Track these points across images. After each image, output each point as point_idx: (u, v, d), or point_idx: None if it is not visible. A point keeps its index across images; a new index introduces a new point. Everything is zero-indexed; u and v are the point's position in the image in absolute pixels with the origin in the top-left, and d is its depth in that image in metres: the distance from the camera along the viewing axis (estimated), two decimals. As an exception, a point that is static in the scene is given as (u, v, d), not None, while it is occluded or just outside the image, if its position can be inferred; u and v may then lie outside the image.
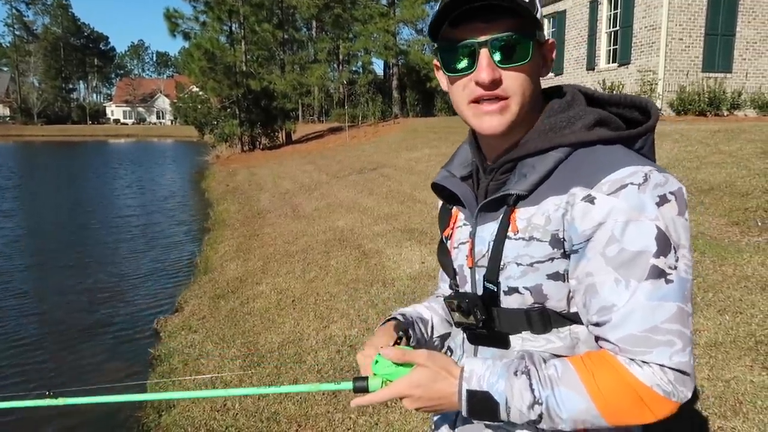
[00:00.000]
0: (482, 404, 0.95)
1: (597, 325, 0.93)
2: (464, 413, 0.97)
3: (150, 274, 7.93)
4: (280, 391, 1.16)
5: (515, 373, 0.94)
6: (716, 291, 4.23)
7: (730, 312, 3.92)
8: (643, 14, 15.60)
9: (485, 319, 1.05)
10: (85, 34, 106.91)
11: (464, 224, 1.13)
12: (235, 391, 1.29)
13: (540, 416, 0.92)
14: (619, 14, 16.71)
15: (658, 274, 0.88)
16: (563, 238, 0.95)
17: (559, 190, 0.95)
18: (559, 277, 0.97)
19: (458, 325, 1.13)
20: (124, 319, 6.17)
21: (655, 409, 0.89)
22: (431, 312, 1.33)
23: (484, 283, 1.05)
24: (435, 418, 1.24)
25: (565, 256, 0.96)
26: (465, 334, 1.13)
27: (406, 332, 1.19)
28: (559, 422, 0.92)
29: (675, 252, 0.89)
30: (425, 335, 1.30)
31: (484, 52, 0.95)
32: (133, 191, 17.65)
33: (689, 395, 0.90)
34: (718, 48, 15.22)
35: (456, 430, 1.15)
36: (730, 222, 5.55)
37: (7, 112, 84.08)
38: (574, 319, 0.99)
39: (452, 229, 1.16)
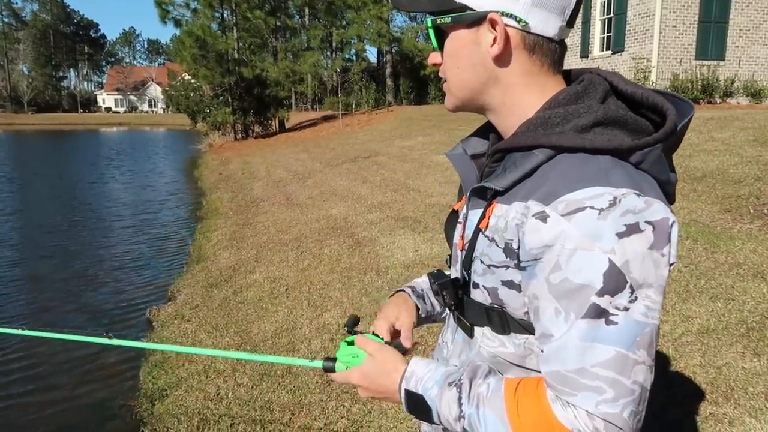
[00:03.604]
0: (417, 406, 0.97)
1: (541, 350, 0.87)
2: (404, 410, 1.00)
3: (142, 263, 7.90)
4: (260, 359, 1.20)
5: (449, 384, 0.93)
6: (708, 278, 4.25)
7: (722, 299, 3.94)
8: (637, 1, 15.57)
9: (456, 304, 1.04)
10: (75, 21, 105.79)
11: (466, 203, 1.07)
12: (229, 354, 1.31)
13: (464, 431, 0.91)
14: (612, 1, 16.67)
15: (598, 313, 0.78)
16: (517, 249, 0.87)
17: (526, 197, 0.86)
18: (513, 286, 0.90)
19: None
20: (116, 309, 6.14)
21: None
22: None
23: (461, 269, 1.02)
24: None
25: (519, 267, 0.88)
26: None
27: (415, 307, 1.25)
28: None
29: (632, 292, 0.78)
30: (436, 307, 1.31)
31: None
32: (125, 180, 17.56)
33: None
34: (712, 35, 15.23)
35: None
36: (723, 209, 5.57)
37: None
38: (531, 330, 0.92)
39: (462, 203, 1.11)
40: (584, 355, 0.79)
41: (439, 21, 0.94)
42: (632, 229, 0.78)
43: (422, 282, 1.35)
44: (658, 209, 0.80)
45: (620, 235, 0.77)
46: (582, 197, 0.79)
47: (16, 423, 4.04)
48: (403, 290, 1.31)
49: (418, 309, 1.27)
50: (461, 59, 0.95)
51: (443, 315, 1.33)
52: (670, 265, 0.83)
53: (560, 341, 0.81)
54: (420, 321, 1.28)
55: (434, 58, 1.00)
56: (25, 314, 6.08)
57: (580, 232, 0.78)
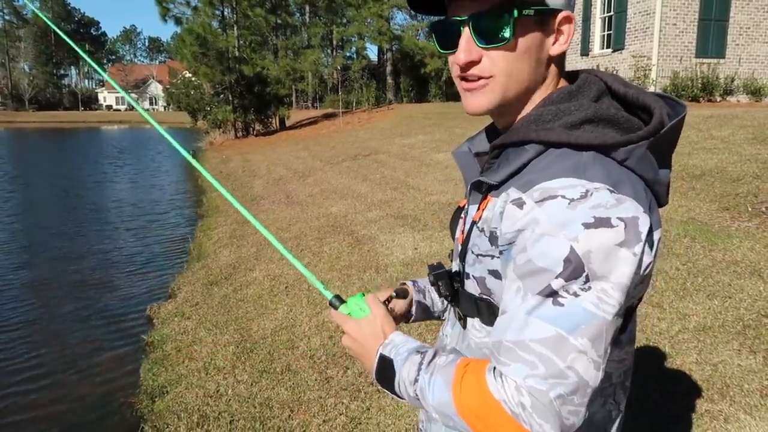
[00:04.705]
0: (385, 371, 1.00)
1: None
2: (374, 375, 1.03)
3: (142, 261, 7.92)
4: (297, 264, 1.23)
5: (417, 352, 0.98)
6: (706, 276, 4.27)
7: (719, 297, 3.96)
8: (638, -1, 15.56)
9: (451, 296, 1.08)
10: (76, 18, 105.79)
11: (468, 199, 1.11)
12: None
13: (417, 395, 0.94)
14: (613, -1, 16.67)
15: (549, 293, 0.80)
16: (498, 236, 0.90)
17: (509, 187, 0.90)
18: (497, 275, 0.93)
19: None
20: (116, 306, 6.17)
21: (501, 426, 0.82)
22: None
23: (458, 262, 1.06)
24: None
25: (500, 254, 0.91)
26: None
27: (405, 294, 1.31)
28: (429, 409, 0.92)
29: (586, 281, 0.79)
30: (438, 304, 1.35)
31: (465, 31, 0.92)
32: (125, 178, 17.57)
33: None
34: (712, 33, 15.22)
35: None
36: (721, 207, 5.59)
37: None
38: None
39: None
40: (525, 329, 0.81)
41: (525, 12, 0.90)
42: (602, 222, 0.79)
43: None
44: (628, 207, 0.81)
45: (587, 226, 0.79)
46: (556, 186, 0.83)
47: (18, 420, 4.06)
48: (405, 282, 1.36)
49: (413, 300, 1.33)
50: (528, 56, 0.92)
51: (444, 313, 1.37)
52: (647, 265, 0.84)
53: (509, 314, 0.84)
54: (414, 315, 1.33)
55: (471, 54, 0.93)
56: (29, 308, 6.11)
57: (548, 218, 0.81)
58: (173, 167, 20.63)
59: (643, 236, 0.82)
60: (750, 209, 5.39)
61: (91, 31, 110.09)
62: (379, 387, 1.05)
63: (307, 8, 40.99)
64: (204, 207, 11.30)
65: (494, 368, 0.85)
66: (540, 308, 0.81)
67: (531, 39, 0.92)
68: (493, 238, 0.92)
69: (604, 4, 17.22)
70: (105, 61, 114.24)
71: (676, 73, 14.77)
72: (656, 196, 0.91)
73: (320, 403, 3.48)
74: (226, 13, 26.29)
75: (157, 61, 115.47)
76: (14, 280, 7.19)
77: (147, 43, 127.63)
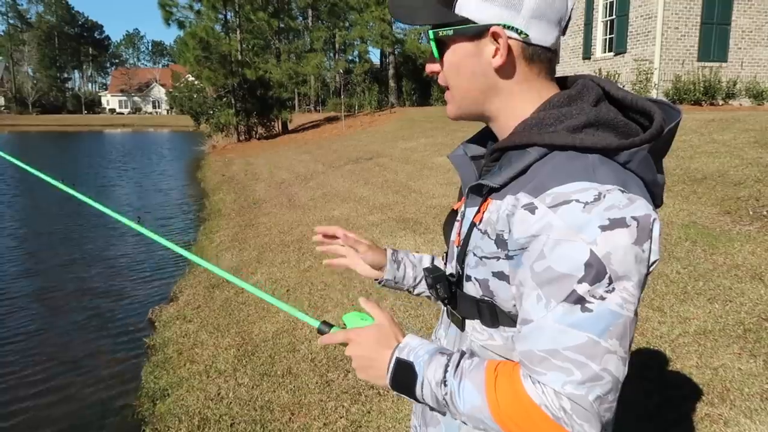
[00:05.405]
0: (404, 375, 0.98)
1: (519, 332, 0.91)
2: (387, 381, 1.00)
3: (144, 264, 7.94)
4: (272, 301, 1.29)
5: (440, 353, 0.97)
6: (707, 280, 4.27)
7: (719, 300, 3.96)
8: (640, 3, 15.56)
9: (449, 298, 1.08)
10: (80, 22, 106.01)
11: (465, 202, 1.12)
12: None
13: (445, 399, 0.93)
14: (615, 3, 16.67)
15: (576, 300, 0.81)
16: (506, 239, 0.90)
17: (517, 191, 0.90)
18: (503, 277, 0.94)
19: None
20: (118, 309, 6.18)
21: (542, 430, 0.84)
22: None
23: (456, 264, 1.06)
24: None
25: (507, 257, 0.91)
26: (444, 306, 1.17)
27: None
28: (457, 413, 0.93)
29: (610, 283, 0.81)
30: (410, 279, 1.39)
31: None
32: (130, 182, 17.62)
33: None
34: (714, 37, 15.21)
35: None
36: (722, 211, 5.59)
37: (2, 101, 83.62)
38: None
39: (462, 203, 1.15)
40: (557, 338, 0.83)
41: (441, 33, 0.96)
42: (617, 223, 0.81)
43: (414, 255, 1.43)
44: (640, 206, 0.83)
45: (603, 228, 0.81)
46: (569, 190, 0.83)
47: (19, 422, 4.07)
48: (386, 248, 1.42)
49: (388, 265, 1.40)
50: (462, 69, 0.98)
51: (415, 291, 1.40)
52: (653, 262, 0.86)
53: (537, 323, 0.85)
54: (384, 282, 1.40)
55: (432, 66, 1.04)
56: (31, 311, 6.13)
57: (564, 223, 0.82)
58: (178, 171, 20.68)
59: (654, 233, 0.84)
60: (751, 213, 5.39)
61: (95, 34, 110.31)
62: (396, 393, 1.03)
63: (310, 12, 41.08)
64: (207, 210, 11.33)
65: (527, 375, 0.87)
66: (569, 315, 0.82)
67: (459, 55, 0.97)
68: (500, 241, 0.92)
69: (606, 8, 17.23)
70: (108, 65, 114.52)
71: (678, 76, 14.76)
72: (653, 197, 0.94)
73: (321, 407, 3.48)
74: (228, 17, 26.39)
75: (161, 65, 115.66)
76: (18, 285, 7.21)
77: (150, 47, 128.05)
